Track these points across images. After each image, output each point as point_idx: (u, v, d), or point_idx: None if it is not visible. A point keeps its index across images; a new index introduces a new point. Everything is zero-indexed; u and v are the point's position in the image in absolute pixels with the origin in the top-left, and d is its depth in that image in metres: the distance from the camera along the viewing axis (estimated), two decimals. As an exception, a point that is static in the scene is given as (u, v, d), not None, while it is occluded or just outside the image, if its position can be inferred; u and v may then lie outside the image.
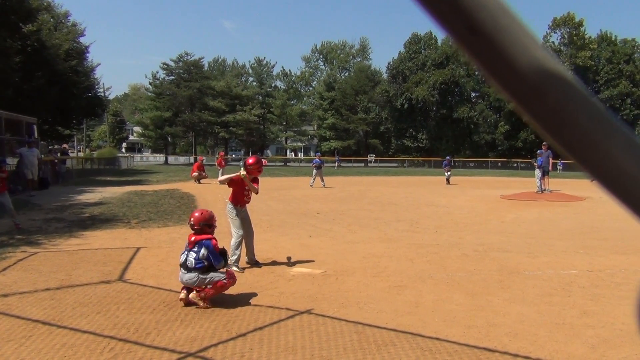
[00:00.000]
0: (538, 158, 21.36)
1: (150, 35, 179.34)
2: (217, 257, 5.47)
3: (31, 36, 26.64)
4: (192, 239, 5.56)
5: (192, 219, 5.74)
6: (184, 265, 5.44)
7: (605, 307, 5.52)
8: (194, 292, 5.39)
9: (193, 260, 5.41)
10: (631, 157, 0.41)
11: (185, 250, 5.54)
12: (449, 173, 26.82)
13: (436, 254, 8.31)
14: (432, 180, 30.99)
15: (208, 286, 5.37)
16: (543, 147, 21.65)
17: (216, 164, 26.66)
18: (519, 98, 0.40)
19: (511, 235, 10.39)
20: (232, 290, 5.92)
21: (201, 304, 5.35)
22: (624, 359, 4.17)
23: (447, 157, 28.45)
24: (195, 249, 5.46)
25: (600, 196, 19.98)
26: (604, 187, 0.43)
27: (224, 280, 5.49)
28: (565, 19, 61.71)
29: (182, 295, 5.43)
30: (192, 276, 5.38)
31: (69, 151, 40.36)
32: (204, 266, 5.42)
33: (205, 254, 5.42)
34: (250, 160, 7.57)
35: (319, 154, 30.50)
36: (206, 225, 5.69)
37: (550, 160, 21.44)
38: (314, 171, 24.25)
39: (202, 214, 5.77)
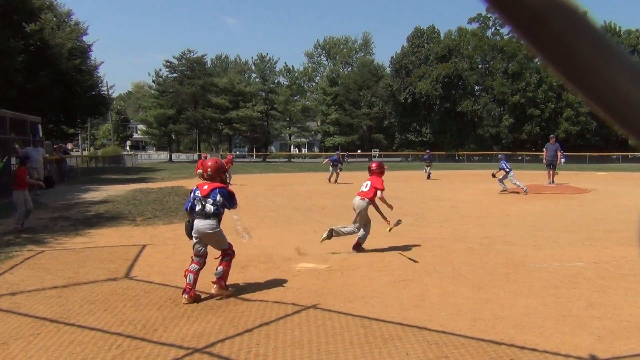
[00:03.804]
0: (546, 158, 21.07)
1: (153, 33, 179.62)
2: (231, 200, 5.74)
3: (34, 35, 26.64)
4: (205, 187, 5.68)
5: (209, 170, 5.79)
6: (201, 213, 5.55)
7: (612, 299, 5.51)
8: (214, 287, 5.58)
9: (212, 207, 5.55)
10: (635, 84, 0.41)
11: (198, 198, 5.62)
12: (429, 168, 26.84)
13: (441, 248, 8.30)
14: (437, 175, 30.90)
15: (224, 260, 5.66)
16: (550, 140, 21.43)
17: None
18: (521, 25, 0.40)
19: (516, 228, 10.37)
20: (237, 286, 5.95)
21: (225, 292, 5.59)
22: (631, 350, 4.16)
23: (428, 151, 27.88)
24: (211, 196, 5.60)
25: (606, 188, 19.91)
26: (607, 114, 0.42)
27: (230, 254, 5.77)
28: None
29: (185, 299, 5.40)
30: (211, 223, 5.54)
31: (73, 149, 40.45)
32: (220, 212, 5.64)
33: (221, 200, 5.62)
34: (374, 165, 8.71)
35: (338, 152, 30.52)
36: (222, 172, 5.93)
37: (559, 153, 21.08)
38: (331, 168, 24.06)
39: (216, 162, 5.96)
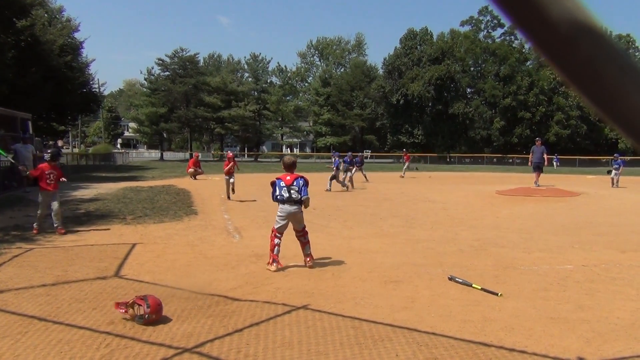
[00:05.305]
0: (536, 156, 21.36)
1: (145, 30, 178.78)
2: (306, 190, 6.96)
3: (25, 31, 26.41)
4: (288, 177, 6.99)
5: (288, 161, 7.29)
6: (290, 199, 6.88)
7: (600, 302, 5.55)
8: (309, 261, 6.95)
9: (298, 195, 6.88)
10: None
11: (285, 188, 6.90)
12: (352, 172, 20.30)
13: (432, 250, 8.33)
14: (428, 176, 31.02)
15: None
16: (537, 143, 21.76)
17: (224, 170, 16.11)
18: (549, 50, 0.39)
19: (507, 230, 10.42)
20: (228, 286, 5.94)
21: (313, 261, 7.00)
22: (619, 353, 4.19)
23: (349, 153, 22.43)
24: (294, 185, 6.90)
25: (595, 191, 20.07)
26: (632, 140, 0.42)
27: (307, 232, 7.14)
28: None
29: (274, 267, 6.77)
30: (297, 207, 6.95)
31: (63, 147, 40.17)
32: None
33: (302, 185, 6.91)
34: None
35: (341, 153, 27.66)
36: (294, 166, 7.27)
37: (545, 156, 21.51)
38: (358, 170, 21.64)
39: (292, 157, 7.48)
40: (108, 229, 10.02)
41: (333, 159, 20.86)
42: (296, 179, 6.98)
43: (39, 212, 9.55)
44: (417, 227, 10.75)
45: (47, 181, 9.44)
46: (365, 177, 24.13)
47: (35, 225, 9.53)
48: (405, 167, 29.98)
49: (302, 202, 6.96)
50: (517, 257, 7.83)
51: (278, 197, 6.96)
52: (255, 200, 14.99)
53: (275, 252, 6.86)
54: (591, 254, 8.11)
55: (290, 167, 7.18)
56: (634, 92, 0.40)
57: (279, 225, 6.97)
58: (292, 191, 6.90)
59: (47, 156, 9.98)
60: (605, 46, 0.39)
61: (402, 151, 32.25)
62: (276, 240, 6.90)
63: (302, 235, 7.09)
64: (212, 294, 5.67)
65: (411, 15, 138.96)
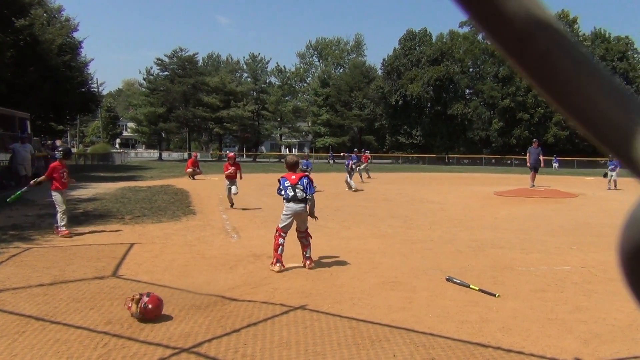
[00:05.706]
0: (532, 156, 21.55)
1: (145, 30, 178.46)
2: (311, 188, 7.11)
3: (24, 31, 26.36)
4: (293, 177, 7.09)
5: (291, 160, 7.42)
6: (295, 198, 6.97)
7: (598, 303, 5.56)
8: (308, 263, 6.98)
9: (302, 194, 6.99)
10: (614, 103, 0.42)
11: (291, 187, 6.99)
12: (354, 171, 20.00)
13: (430, 250, 8.33)
14: (427, 177, 31.04)
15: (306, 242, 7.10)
16: (534, 144, 21.93)
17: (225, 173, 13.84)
18: (505, 43, 0.40)
19: (505, 231, 10.43)
20: (226, 286, 5.94)
21: (310, 264, 7.00)
22: (616, 354, 4.20)
23: (354, 150, 22.97)
24: (299, 184, 7.00)
25: (593, 193, 20.09)
26: (587, 132, 0.43)
27: (309, 234, 7.17)
28: (560, 17, 61.90)
29: (278, 267, 6.79)
30: (304, 205, 7.04)
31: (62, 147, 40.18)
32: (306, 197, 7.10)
33: (307, 184, 7.03)
34: None
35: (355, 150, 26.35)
36: (297, 165, 7.46)
37: (541, 158, 21.76)
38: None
39: (294, 157, 7.66)
40: (117, 230, 10.02)
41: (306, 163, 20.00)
42: (301, 178, 7.11)
43: (61, 212, 9.17)
44: (415, 228, 10.76)
45: (62, 180, 9.34)
46: (361, 177, 24.37)
47: (62, 227, 9.14)
48: (363, 166, 26.37)
49: (307, 201, 7.05)
50: (515, 258, 7.83)
51: (283, 195, 7.09)
52: (260, 209, 14.61)
53: (279, 252, 6.88)
54: (589, 255, 8.12)
55: (293, 167, 7.30)
56: (588, 85, 0.40)
57: (284, 224, 7.01)
58: (297, 190, 7.00)
59: (58, 154, 9.77)
60: (561, 40, 0.40)
61: (362, 152, 28.43)
62: (280, 240, 6.94)
63: (304, 237, 7.11)
64: (210, 294, 5.67)
65: (410, 16, 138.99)
